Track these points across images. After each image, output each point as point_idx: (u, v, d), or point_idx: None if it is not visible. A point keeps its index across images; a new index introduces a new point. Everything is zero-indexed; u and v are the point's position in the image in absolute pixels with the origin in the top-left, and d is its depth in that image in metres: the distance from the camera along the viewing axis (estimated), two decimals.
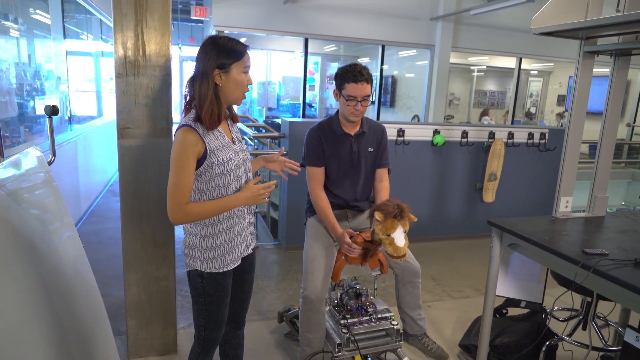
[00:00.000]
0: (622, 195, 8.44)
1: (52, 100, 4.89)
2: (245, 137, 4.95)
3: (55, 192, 1.69)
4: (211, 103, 1.52)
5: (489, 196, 4.55)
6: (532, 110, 12.64)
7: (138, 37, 2.07)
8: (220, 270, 1.63)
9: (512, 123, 9.54)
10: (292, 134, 3.88)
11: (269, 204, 5.03)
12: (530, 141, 4.62)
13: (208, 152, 1.53)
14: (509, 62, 10.79)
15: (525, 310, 2.52)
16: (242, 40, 1.61)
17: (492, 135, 4.45)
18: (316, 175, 2.25)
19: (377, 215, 1.77)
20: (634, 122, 10.35)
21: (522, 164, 4.67)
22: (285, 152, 1.84)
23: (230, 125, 1.69)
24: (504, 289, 2.24)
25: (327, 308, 2.30)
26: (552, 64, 12.78)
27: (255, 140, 5.01)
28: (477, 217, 4.63)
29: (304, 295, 2.13)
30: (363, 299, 2.27)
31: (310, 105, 11.91)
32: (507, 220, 2.10)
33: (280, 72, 11.69)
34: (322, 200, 2.22)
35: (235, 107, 1.72)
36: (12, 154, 1.68)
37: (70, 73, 5.17)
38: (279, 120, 6.73)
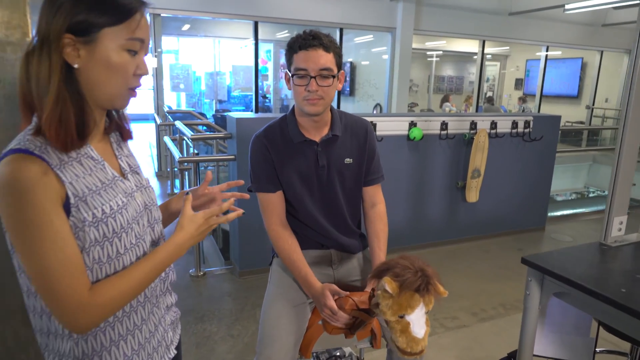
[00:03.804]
0: (584, 178, 8.34)
1: None
2: (185, 138, 4.13)
3: None
4: (59, 99, 0.77)
5: (473, 195, 4.00)
6: (489, 94, 12.41)
7: None
8: None
9: (476, 110, 9.15)
10: (241, 134, 3.11)
11: None
12: (514, 131, 4.09)
13: (71, 200, 0.78)
14: (468, 46, 10.39)
15: None
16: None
17: (474, 125, 3.88)
18: (271, 204, 1.52)
19: (388, 285, 1.04)
20: (593, 105, 10.26)
21: (507, 157, 4.14)
22: (211, 179, 1.11)
23: (116, 144, 0.94)
24: (540, 345, 1.63)
25: None
26: (508, 47, 12.57)
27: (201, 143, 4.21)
28: (460, 219, 4.07)
29: None
30: None
31: (264, 97, 11.09)
32: (548, 258, 1.48)
33: (230, 61, 10.75)
34: (284, 241, 1.50)
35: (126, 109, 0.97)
36: None
37: None
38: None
